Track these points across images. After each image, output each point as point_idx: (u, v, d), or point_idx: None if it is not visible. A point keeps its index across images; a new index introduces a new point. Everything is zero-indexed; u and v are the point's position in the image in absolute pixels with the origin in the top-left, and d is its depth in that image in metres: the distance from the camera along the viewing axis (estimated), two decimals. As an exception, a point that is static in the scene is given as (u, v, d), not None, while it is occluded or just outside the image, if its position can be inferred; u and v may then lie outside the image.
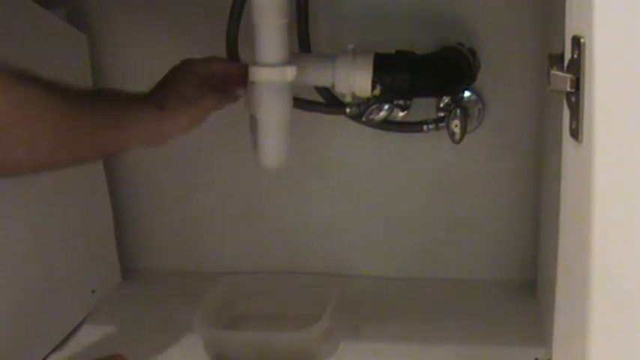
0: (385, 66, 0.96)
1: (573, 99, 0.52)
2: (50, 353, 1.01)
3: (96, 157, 0.91)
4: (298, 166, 1.13)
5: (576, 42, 0.50)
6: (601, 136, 0.48)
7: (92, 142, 0.80)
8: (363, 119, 1.07)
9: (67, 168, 0.83)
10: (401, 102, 1.07)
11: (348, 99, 0.99)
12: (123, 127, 0.82)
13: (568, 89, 0.52)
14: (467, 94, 1.08)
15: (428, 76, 1.02)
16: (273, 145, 0.94)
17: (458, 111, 1.03)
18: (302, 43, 1.05)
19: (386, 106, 1.06)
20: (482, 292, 1.15)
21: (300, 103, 1.02)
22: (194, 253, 1.24)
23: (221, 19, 1.05)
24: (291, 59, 0.91)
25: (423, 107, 1.07)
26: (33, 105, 0.73)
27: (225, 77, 0.91)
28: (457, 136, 1.04)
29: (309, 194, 1.20)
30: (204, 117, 0.88)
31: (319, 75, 0.97)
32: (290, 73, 0.90)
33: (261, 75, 0.89)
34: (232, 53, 1.04)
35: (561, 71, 0.53)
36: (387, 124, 1.09)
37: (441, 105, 1.07)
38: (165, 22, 1.12)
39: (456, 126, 1.03)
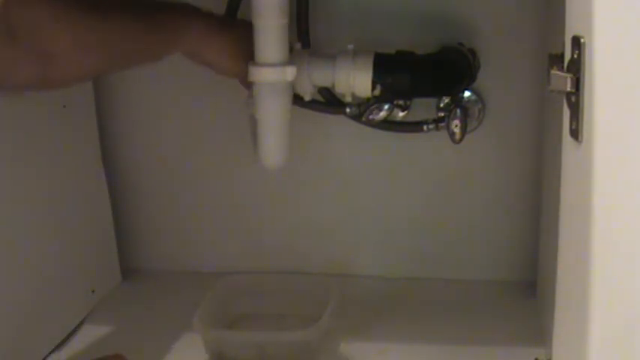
0: (385, 66, 0.96)
1: (573, 99, 0.52)
2: (50, 353, 1.01)
3: (139, 65, 0.92)
4: (298, 166, 1.13)
5: (576, 42, 0.50)
6: (601, 136, 0.48)
7: (138, 57, 0.85)
8: (363, 119, 1.07)
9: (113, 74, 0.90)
10: (401, 102, 1.07)
11: (348, 99, 0.99)
12: (171, 43, 0.86)
13: (568, 89, 0.52)
14: (467, 94, 1.08)
15: (428, 76, 1.02)
16: (273, 145, 0.94)
17: (458, 111, 1.03)
18: (302, 43, 1.05)
19: (386, 106, 1.06)
20: (483, 292, 1.15)
21: (300, 102, 1.02)
22: (194, 253, 1.24)
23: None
24: (291, 59, 0.91)
25: (423, 107, 1.07)
26: (82, 27, 0.76)
27: None
28: (457, 136, 1.03)
29: (309, 194, 1.20)
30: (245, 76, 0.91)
31: (319, 75, 0.97)
32: (290, 72, 0.90)
33: (261, 75, 0.89)
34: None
35: (561, 71, 0.53)
36: (387, 124, 1.09)
37: (441, 105, 1.07)
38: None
39: (456, 126, 1.03)
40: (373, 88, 0.96)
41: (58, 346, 1.03)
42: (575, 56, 0.51)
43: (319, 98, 1.07)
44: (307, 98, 0.98)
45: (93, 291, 1.14)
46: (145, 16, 0.84)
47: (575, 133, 0.52)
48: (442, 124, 1.05)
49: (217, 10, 1.04)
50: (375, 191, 1.18)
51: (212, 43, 0.89)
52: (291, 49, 0.95)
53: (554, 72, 0.54)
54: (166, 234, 1.25)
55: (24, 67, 0.75)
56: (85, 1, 0.78)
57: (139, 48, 0.84)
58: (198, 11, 0.89)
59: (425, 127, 1.07)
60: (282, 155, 0.95)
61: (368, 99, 1.03)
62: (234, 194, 1.21)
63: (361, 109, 1.06)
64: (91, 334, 1.06)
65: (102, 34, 0.79)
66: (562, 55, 0.54)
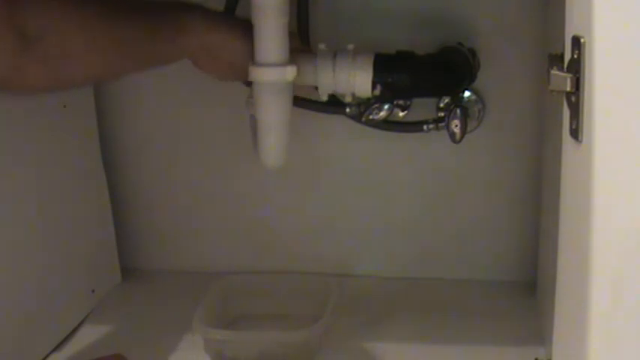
0: (385, 66, 0.96)
1: (573, 99, 0.52)
2: (50, 353, 1.01)
3: (153, 66, 0.91)
4: (298, 166, 1.13)
5: (576, 42, 0.50)
6: (601, 136, 0.48)
7: (148, 53, 0.83)
8: (363, 119, 1.07)
9: (124, 77, 0.86)
10: (401, 102, 1.07)
11: (348, 99, 0.99)
12: (177, 37, 0.85)
13: (568, 89, 0.52)
14: (467, 94, 1.08)
15: (428, 76, 1.02)
16: (273, 145, 0.94)
17: (458, 111, 1.03)
18: (302, 42, 1.05)
19: (386, 106, 1.06)
20: (483, 292, 1.15)
21: (300, 102, 1.02)
22: (194, 253, 1.24)
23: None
24: (291, 59, 0.91)
25: (423, 107, 1.07)
26: (90, 22, 0.76)
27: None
28: (457, 136, 1.03)
29: (309, 194, 1.20)
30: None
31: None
32: (290, 72, 0.90)
33: (261, 75, 0.89)
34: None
35: (561, 71, 0.53)
36: (387, 124, 1.09)
37: (441, 105, 1.07)
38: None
39: (456, 126, 1.03)
40: (373, 88, 0.96)
41: (58, 346, 1.03)
42: (575, 56, 0.51)
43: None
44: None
45: (93, 291, 1.14)
46: (154, 14, 0.84)
47: (575, 133, 0.52)
48: (442, 124, 1.05)
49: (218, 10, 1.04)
50: (375, 191, 1.18)
51: (221, 29, 0.88)
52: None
53: (554, 72, 0.53)
54: (166, 234, 1.25)
55: (34, 69, 0.75)
56: (95, 2, 0.78)
57: (149, 48, 0.84)
58: (201, 6, 0.90)
59: (425, 127, 1.07)
60: (282, 155, 0.95)
61: (368, 99, 1.03)
62: (234, 194, 1.21)
63: (361, 109, 1.06)
64: (91, 334, 1.06)
65: (112, 34, 0.79)
66: (562, 55, 0.54)
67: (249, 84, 0.93)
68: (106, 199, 1.18)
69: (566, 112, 0.54)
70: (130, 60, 0.83)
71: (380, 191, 1.18)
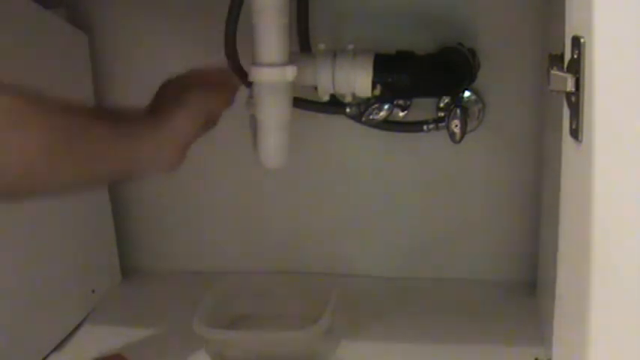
0: (385, 66, 0.96)
1: (573, 99, 0.52)
2: (50, 353, 1.01)
3: (100, 180, 0.84)
4: (298, 166, 1.13)
5: (576, 42, 0.50)
6: (601, 136, 0.48)
7: (92, 164, 0.75)
8: (363, 119, 1.07)
9: (68, 193, 0.79)
10: (401, 102, 1.07)
11: (348, 99, 0.99)
12: (122, 143, 0.78)
13: (568, 89, 0.52)
14: (467, 94, 1.08)
15: (428, 76, 1.02)
16: (273, 145, 0.94)
17: (458, 111, 1.03)
18: (302, 42, 1.05)
19: (386, 106, 1.06)
20: (483, 292, 1.15)
21: (300, 103, 1.02)
22: (194, 253, 1.24)
23: (222, 17, 1.05)
24: (292, 59, 0.91)
25: (423, 107, 1.08)
26: (30, 125, 0.67)
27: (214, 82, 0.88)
28: (457, 136, 1.04)
29: (309, 194, 1.20)
30: (198, 114, 0.85)
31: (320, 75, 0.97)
32: (290, 72, 0.90)
33: (261, 75, 0.89)
34: (230, 50, 1.04)
35: (561, 71, 0.53)
36: (387, 124, 1.09)
37: (441, 105, 1.07)
38: (166, 21, 1.12)
39: (456, 126, 1.03)
40: (373, 88, 0.96)
41: (58, 346, 1.03)
42: (575, 56, 0.51)
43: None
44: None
45: (93, 291, 1.14)
46: (89, 118, 0.75)
47: (575, 133, 0.52)
48: (442, 124, 1.06)
49: (220, 11, 1.04)
50: (375, 191, 1.18)
51: (169, 122, 0.83)
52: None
53: (554, 72, 0.54)
54: (166, 234, 1.25)
55: None
56: (30, 97, 0.68)
57: (90, 152, 0.74)
58: (131, 109, 0.83)
59: (425, 127, 1.07)
60: (283, 155, 0.95)
61: (368, 99, 1.03)
62: (234, 194, 1.21)
63: (361, 109, 1.07)
64: (91, 334, 1.07)
65: (51, 135, 0.69)
66: (562, 55, 0.54)
67: (249, 84, 0.93)
68: (106, 199, 1.18)
69: (566, 112, 0.54)
70: (71, 173, 0.73)
71: (380, 191, 1.18)
